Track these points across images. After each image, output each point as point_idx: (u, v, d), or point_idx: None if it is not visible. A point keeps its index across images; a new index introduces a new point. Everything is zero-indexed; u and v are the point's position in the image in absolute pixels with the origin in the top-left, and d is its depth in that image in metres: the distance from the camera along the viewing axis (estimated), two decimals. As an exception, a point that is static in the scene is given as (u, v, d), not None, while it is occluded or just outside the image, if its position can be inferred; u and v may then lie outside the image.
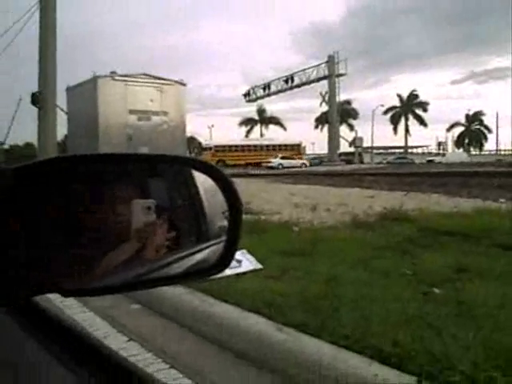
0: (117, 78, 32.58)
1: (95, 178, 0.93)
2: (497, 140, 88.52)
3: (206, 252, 1.02)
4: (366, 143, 66.96)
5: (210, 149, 50.82)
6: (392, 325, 3.10)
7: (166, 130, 33.22)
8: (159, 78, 34.15)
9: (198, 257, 1.02)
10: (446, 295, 3.77)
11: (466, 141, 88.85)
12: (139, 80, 33.08)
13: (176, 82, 34.65)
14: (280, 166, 44.50)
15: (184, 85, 35.31)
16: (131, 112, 32.57)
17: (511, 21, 42.72)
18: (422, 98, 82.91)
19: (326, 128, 62.27)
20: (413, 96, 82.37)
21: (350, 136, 66.39)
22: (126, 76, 32.97)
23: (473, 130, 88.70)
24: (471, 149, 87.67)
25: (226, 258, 0.97)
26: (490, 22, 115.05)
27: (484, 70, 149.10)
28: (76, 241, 0.87)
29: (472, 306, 3.43)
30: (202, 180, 1.03)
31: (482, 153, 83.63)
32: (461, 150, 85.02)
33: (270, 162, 46.61)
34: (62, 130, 32.71)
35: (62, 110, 27.94)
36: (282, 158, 48.51)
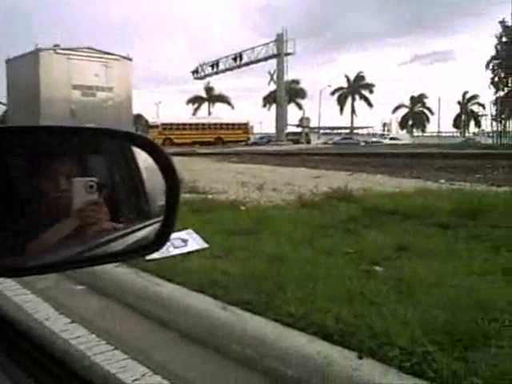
0: (60, 51, 31.39)
1: (33, 150, 0.90)
2: (438, 122, 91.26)
3: (147, 230, 1.01)
4: (314, 123, 67.69)
5: (157, 127, 49.90)
6: (335, 302, 3.17)
7: (112, 107, 32.40)
8: (104, 53, 33.15)
9: (139, 235, 1.01)
10: (387, 273, 3.88)
11: (410, 122, 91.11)
12: (83, 54, 32.01)
13: (122, 56, 33.74)
14: None
15: (130, 60, 34.43)
16: (75, 87, 31.58)
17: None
18: (369, 79, 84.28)
19: (274, 107, 62.41)
20: (359, 77, 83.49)
21: (299, 115, 66.95)
22: (69, 49, 31.82)
23: (416, 112, 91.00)
24: (414, 130, 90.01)
25: (162, 237, 0.96)
26: (436, 4, 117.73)
27: (431, 51, 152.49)
28: (10, 216, 0.83)
29: (411, 283, 3.54)
30: (144, 157, 1.01)
31: (425, 134, 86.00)
32: (404, 131, 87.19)
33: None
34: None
35: (1, 102, 26.91)
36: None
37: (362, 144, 54.69)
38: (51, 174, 0.87)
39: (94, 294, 4.03)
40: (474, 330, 2.72)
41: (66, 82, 31.05)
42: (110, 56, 33.10)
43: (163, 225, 0.95)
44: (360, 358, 2.53)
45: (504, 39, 45.33)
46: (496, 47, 46.26)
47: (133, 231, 1.01)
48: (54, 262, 0.87)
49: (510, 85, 45.45)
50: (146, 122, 51.23)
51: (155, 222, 0.99)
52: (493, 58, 46.45)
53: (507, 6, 44.54)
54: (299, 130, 61.59)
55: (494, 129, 45.04)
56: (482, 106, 70.43)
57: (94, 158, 1.03)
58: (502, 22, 45.34)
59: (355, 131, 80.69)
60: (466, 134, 76.01)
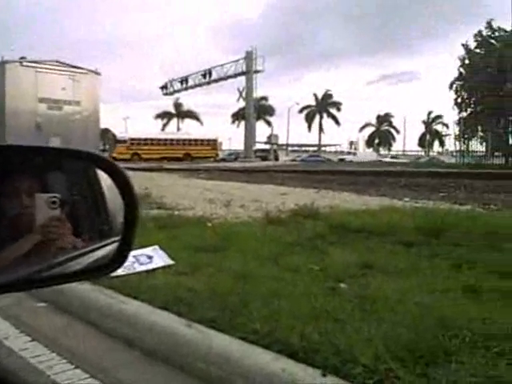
0: (26, 63, 31.04)
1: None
2: (404, 141, 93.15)
3: (107, 249, 1.01)
4: (282, 140, 68.26)
5: (125, 141, 49.53)
6: (300, 319, 3.17)
7: (79, 120, 32.14)
8: (72, 66, 32.90)
9: (99, 253, 1.01)
10: (352, 290, 3.91)
11: (377, 141, 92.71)
12: (51, 67, 31.70)
13: (90, 71, 33.55)
14: None
15: (98, 74, 34.26)
16: (41, 100, 31.23)
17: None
18: (337, 97, 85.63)
19: (243, 124, 62.73)
20: (327, 95, 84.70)
21: (267, 132, 67.52)
22: (36, 62, 31.48)
23: (382, 131, 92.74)
24: (381, 148, 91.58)
25: (120, 256, 0.96)
26: (403, 25, 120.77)
27: (398, 72, 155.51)
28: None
29: (375, 300, 3.57)
30: (106, 176, 1.01)
31: (391, 153, 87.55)
32: (371, 149, 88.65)
33: None
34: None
35: None
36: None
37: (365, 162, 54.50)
38: (14, 192, 0.87)
39: (57, 311, 3.95)
40: (436, 347, 2.77)
41: (33, 94, 30.70)
42: (77, 70, 32.85)
43: (121, 244, 0.96)
44: (324, 375, 2.54)
45: (467, 61, 46.66)
46: (459, 69, 47.57)
47: (93, 250, 1.01)
48: (13, 281, 0.86)
49: (472, 106, 46.71)
50: (114, 136, 50.78)
51: (116, 241, 0.99)
52: (456, 79, 47.74)
53: (471, 29, 46.09)
54: (267, 146, 61.93)
55: (457, 148, 46.11)
56: (446, 125, 72.04)
57: (57, 175, 1.03)
58: (465, 45, 46.77)
59: (323, 149, 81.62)
60: (431, 153, 77.73)
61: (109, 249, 1.00)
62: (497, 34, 45.79)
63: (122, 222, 0.97)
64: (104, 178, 1.03)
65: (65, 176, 1.05)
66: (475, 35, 46.29)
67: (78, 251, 0.96)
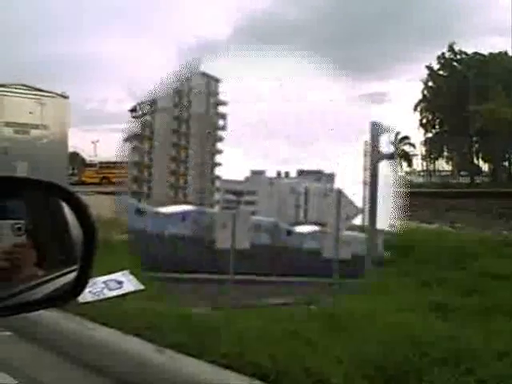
0: (-11, 87, 30.50)
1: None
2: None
3: (69, 277, 0.99)
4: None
5: (95, 165, 48.86)
6: (270, 342, 3.15)
7: (47, 145, 31.52)
8: (39, 90, 32.35)
9: (62, 281, 0.99)
10: (321, 310, 3.93)
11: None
12: (17, 91, 31.07)
13: (58, 94, 33.09)
14: None
15: (66, 98, 33.82)
16: (7, 124, 30.59)
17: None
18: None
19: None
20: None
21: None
22: (2, 86, 30.94)
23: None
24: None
25: (79, 284, 0.95)
26: (371, 49, 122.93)
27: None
28: None
29: (344, 320, 3.59)
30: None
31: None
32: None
33: None
34: None
35: None
36: None
37: None
38: None
39: (23, 340, 3.85)
40: (406, 365, 2.78)
41: (-2, 119, 30.11)
42: (44, 93, 32.30)
43: (80, 271, 0.95)
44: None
45: (430, 84, 47.75)
46: (423, 91, 48.61)
47: (55, 277, 0.99)
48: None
49: (437, 127, 47.72)
50: (83, 160, 50.00)
51: (77, 269, 0.98)
52: (420, 101, 48.74)
53: (435, 53, 47.25)
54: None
55: (425, 168, 46.96)
56: (413, 145, 73.24)
57: (20, 203, 1.02)
58: (429, 67, 47.88)
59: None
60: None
61: (70, 276, 0.99)
62: (458, 56, 47.08)
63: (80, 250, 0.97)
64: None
65: (28, 204, 1.04)
66: (438, 57, 47.47)
67: (40, 279, 0.94)
